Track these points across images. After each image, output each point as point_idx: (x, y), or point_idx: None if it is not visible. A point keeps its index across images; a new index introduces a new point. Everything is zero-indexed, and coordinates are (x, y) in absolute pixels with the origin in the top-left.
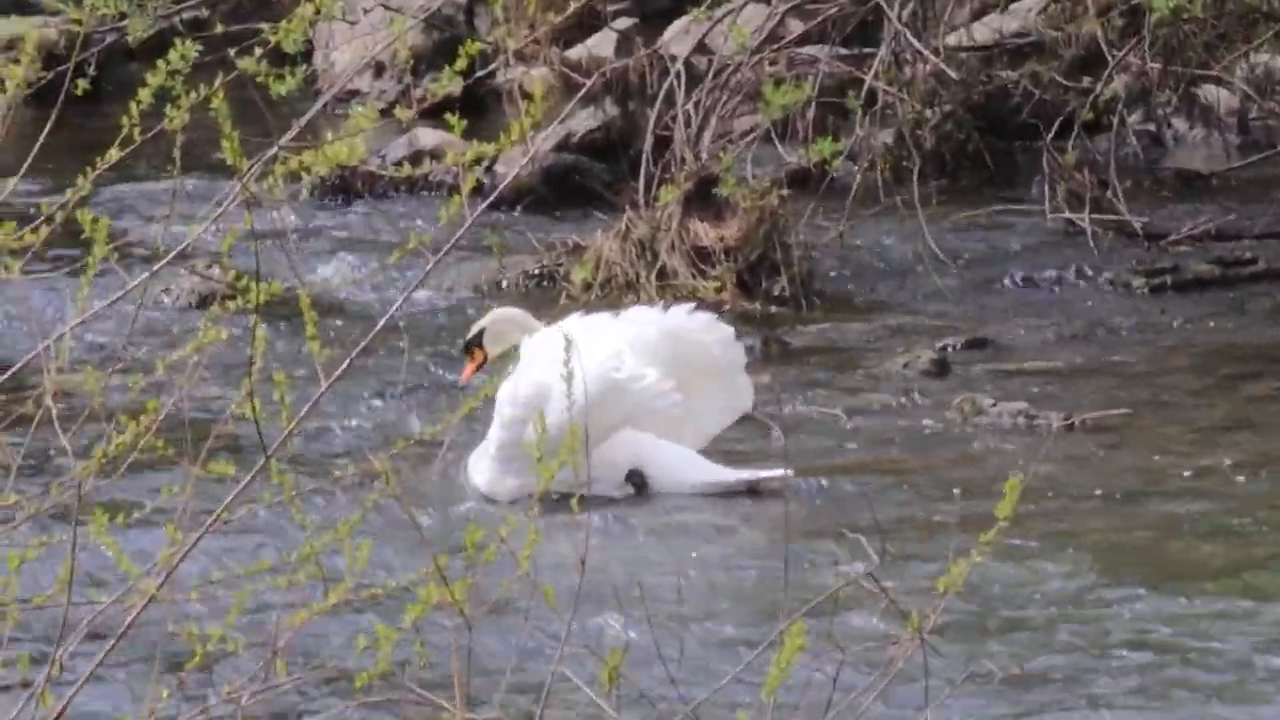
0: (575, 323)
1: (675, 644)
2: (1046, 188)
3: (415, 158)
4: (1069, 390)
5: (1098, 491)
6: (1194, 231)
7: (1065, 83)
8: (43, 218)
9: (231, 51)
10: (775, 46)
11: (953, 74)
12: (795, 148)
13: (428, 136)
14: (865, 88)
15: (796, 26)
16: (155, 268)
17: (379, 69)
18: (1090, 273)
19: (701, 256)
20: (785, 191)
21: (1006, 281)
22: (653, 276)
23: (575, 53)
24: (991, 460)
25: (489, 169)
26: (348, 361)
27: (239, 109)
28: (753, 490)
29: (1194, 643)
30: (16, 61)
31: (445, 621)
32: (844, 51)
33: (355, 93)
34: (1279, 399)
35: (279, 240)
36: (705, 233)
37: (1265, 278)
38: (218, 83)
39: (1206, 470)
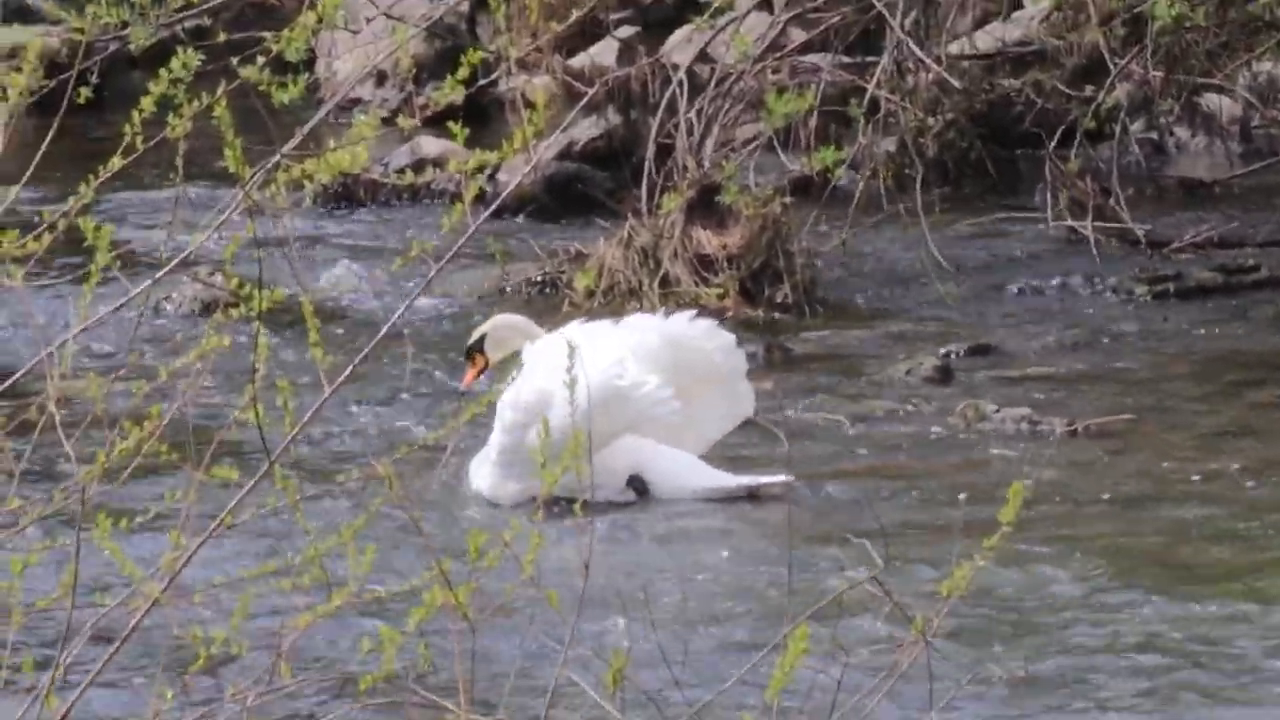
0: (576, 329)
1: (680, 647)
2: (1049, 195)
3: (418, 166)
4: (1072, 396)
5: (1102, 497)
6: (1196, 239)
7: (1068, 91)
8: (45, 225)
9: (234, 60)
10: (778, 55)
11: (955, 82)
12: (798, 156)
13: (430, 144)
14: (868, 96)
15: (799, 35)
16: (158, 275)
17: (381, 77)
18: (1093, 280)
19: (704, 264)
20: (788, 199)
21: (1009, 289)
22: (655, 284)
23: (578, 61)
24: (995, 466)
25: (491, 177)
26: (350, 368)
27: (241, 117)
28: (752, 495)
29: (1201, 646)
30: (19, 70)
31: (449, 625)
32: (846, 60)
33: (358, 101)
34: None
35: (282, 248)
36: (708, 240)
37: (1268, 285)
38: (220, 91)
39: (1211, 475)
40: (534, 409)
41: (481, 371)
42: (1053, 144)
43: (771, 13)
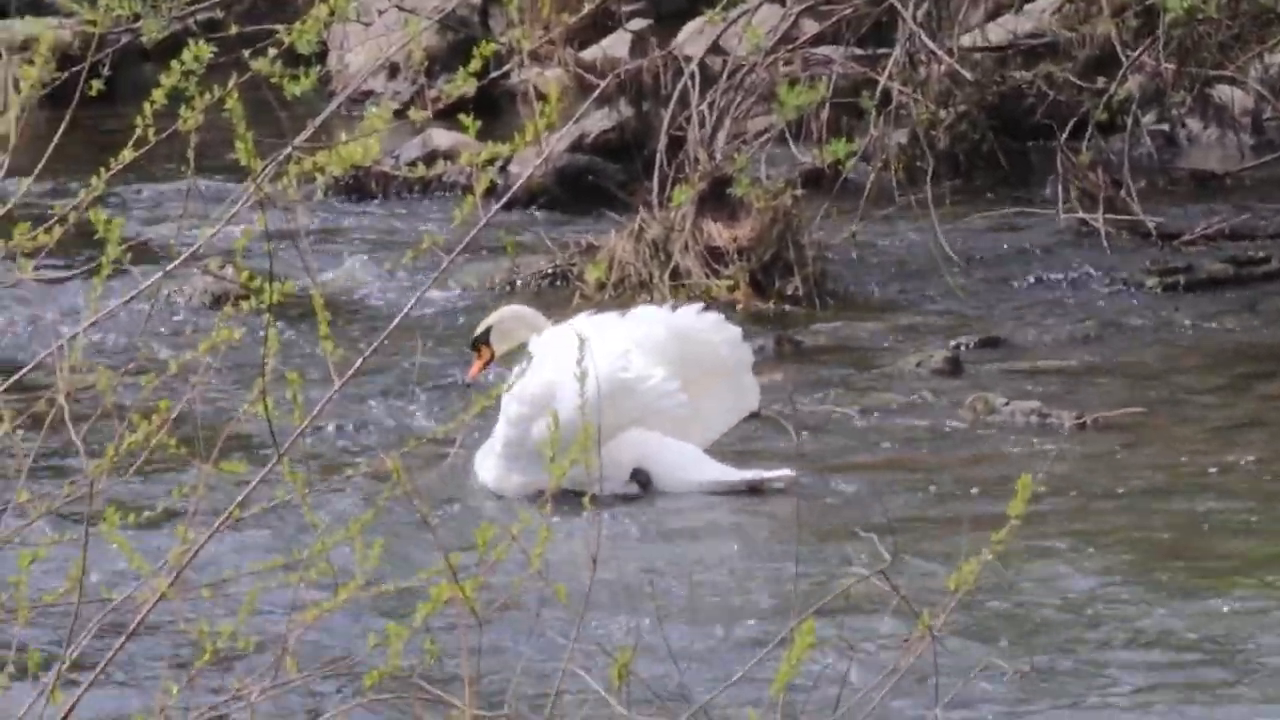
0: (583, 322)
1: (686, 642)
2: (1060, 188)
3: (429, 158)
4: (1082, 389)
5: (1113, 490)
6: (1207, 231)
7: (1079, 83)
8: (56, 218)
9: (246, 53)
10: (790, 47)
11: (967, 74)
12: (809, 148)
13: (442, 137)
14: (879, 88)
15: (811, 27)
16: (169, 268)
17: (393, 70)
18: (1103, 272)
19: (715, 256)
20: (799, 191)
21: (1020, 281)
22: (666, 276)
23: (590, 53)
24: (1004, 459)
25: (503, 169)
26: (360, 361)
27: (253, 110)
28: (755, 490)
29: (1214, 641)
30: (31, 62)
31: (456, 619)
32: (858, 52)
33: (369, 93)
34: None
35: (293, 240)
36: (719, 233)
37: (1279, 277)
38: (232, 84)
39: (1223, 468)
40: (539, 401)
41: (487, 364)
42: (1064, 136)
43: (784, 5)
